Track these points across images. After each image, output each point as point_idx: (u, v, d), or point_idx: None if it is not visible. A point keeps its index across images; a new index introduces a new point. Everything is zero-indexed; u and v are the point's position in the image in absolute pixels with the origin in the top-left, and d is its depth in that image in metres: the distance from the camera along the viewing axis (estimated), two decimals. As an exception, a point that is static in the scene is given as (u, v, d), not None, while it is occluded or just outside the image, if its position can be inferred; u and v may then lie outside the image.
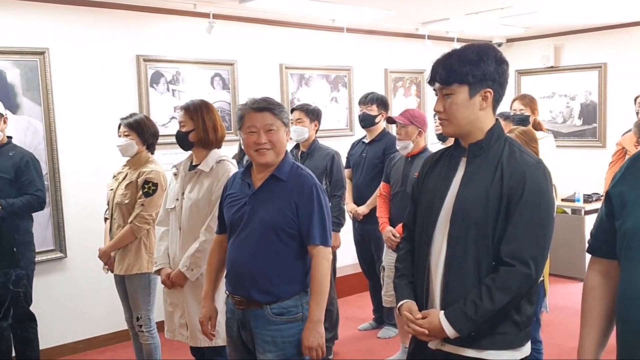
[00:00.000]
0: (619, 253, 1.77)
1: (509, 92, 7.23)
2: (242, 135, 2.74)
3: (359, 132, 6.15)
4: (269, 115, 2.67)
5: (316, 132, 4.81)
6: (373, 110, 5.13)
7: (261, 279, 2.65)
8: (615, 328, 1.80)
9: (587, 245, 1.98)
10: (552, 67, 7.73)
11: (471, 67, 2.13)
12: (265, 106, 2.68)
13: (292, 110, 4.82)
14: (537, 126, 5.38)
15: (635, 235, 1.69)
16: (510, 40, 8.11)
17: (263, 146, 2.66)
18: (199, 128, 3.40)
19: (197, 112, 3.42)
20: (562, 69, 7.73)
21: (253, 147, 2.67)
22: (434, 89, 2.25)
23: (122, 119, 4.04)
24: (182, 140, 3.44)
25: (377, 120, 5.14)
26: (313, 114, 4.74)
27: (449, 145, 2.40)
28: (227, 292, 2.83)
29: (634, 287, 1.66)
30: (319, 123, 4.83)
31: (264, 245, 2.64)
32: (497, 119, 2.24)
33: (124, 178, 3.98)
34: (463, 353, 2.17)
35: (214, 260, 2.96)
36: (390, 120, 4.46)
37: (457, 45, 2.34)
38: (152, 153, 4.08)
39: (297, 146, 4.88)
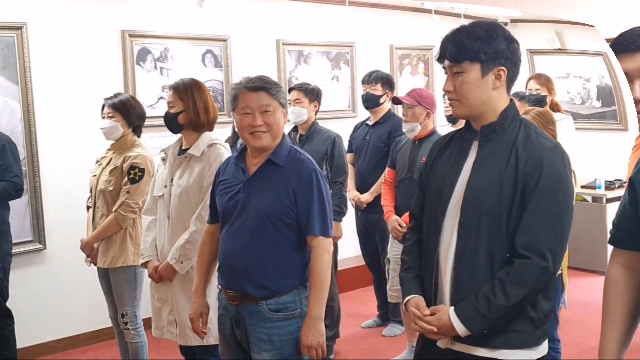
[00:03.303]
0: None
1: (523, 72, 7.24)
2: (235, 117, 2.72)
3: (362, 114, 6.12)
4: (264, 95, 2.65)
5: (316, 114, 4.80)
6: (377, 89, 5.11)
7: (256, 272, 2.64)
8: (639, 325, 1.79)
9: (609, 236, 1.97)
10: (559, 49, 7.86)
11: (482, 44, 2.13)
12: (260, 85, 2.66)
13: (290, 90, 4.81)
14: (555, 107, 5.39)
15: None
16: (514, 21, 8.17)
17: (258, 129, 2.64)
18: (189, 109, 3.39)
19: (187, 91, 3.41)
20: (569, 52, 7.88)
21: (247, 130, 2.65)
22: (443, 67, 2.25)
23: (106, 99, 4.03)
24: (171, 122, 3.43)
25: (381, 100, 5.14)
26: (312, 94, 4.72)
27: (460, 127, 2.38)
28: (219, 286, 2.81)
29: None
30: (319, 104, 4.82)
31: (259, 235, 2.63)
32: (511, 100, 2.24)
33: (108, 163, 3.97)
34: (475, 352, 2.16)
35: (205, 252, 2.95)
36: (395, 101, 4.46)
37: (466, 22, 2.33)
38: (139, 136, 4.08)
39: (295, 129, 4.87)
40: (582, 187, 6.96)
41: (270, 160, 2.69)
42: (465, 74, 2.16)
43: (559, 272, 3.74)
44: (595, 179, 6.92)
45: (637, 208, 1.81)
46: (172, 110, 3.41)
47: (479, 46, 2.12)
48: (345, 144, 5.05)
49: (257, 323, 2.66)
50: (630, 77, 1.67)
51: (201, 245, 3.00)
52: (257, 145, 2.67)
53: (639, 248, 1.82)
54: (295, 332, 2.64)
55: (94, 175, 4.05)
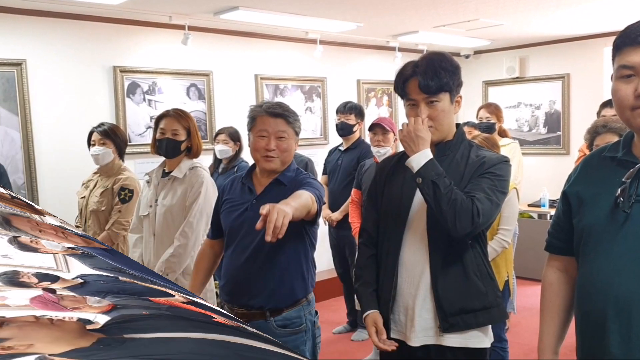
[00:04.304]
0: (576, 249, 1.82)
1: (477, 102, 7.34)
2: (251, 137, 2.67)
3: (333, 141, 6.19)
4: (282, 122, 2.60)
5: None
6: (351, 119, 5.20)
7: (262, 288, 2.56)
8: (574, 322, 1.83)
9: (545, 244, 2.01)
10: (517, 77, 7.86)
11: (452, 76, 2.24)
12: (280, 112, 2.61)
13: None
14: (503, 133, 5.49)
15: (592, 232, 1.74)
16: (477, 52, 8.23)
17: (271, 153, 2.59)
18: (193, 138, 3.48)
19: (188, 122, 3.48)
20: (527, 80, 7.93)
21: (261, 152, 2.60)
22: (411, 98, 2.28)
23: (95, 128, 4.04)
24: (174, 148, 3.44)
25: (354, 129, 5.19)
26: None
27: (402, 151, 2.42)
28: (223, 302, 2.71)
29: (591, 282, 1.71)
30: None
31: (265, 252, 2.53)
32: (458, 123, 2.35)
33: (95, 186, 3.99)
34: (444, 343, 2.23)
35: (203, 264, 2.88)
36: (373, 127, 4.45)
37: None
38: (123, 161, 4.08)
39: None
40: (528, 205, 7.07)
41: (278, 179, 2.64)
42: (440, 103, 2.24)
43: (506, 278, 3.79)
44: (540, 198, 7.01)
45: (570, 217, 1.84)
46: (177, 138, 3.43)
47: (449, 78, 2.22)
48: (319, 168, 5.08)
49: None
50: (637, 71, 1.60)
51: (200, 256, 2.92)
52: (267, 167, 2.62)
53: (571, 253, 1.85)
54: (301, 345, 2.58)
55: (82, 197, 4.07)
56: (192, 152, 3.49)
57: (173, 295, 1.14)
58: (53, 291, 1.12)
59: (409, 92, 2.26)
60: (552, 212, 6.84)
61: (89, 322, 1.07)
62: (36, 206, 1.43)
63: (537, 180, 7.33)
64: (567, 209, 1.87)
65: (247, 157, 4.09)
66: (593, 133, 3.45)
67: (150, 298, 1.10)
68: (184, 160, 3.46)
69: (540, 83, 7.79)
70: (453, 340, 2.23)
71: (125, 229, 3.87)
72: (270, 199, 2.40)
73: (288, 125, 2.61)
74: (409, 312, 2.28)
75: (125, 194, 3.90)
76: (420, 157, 2.15)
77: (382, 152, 4.40)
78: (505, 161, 2.27)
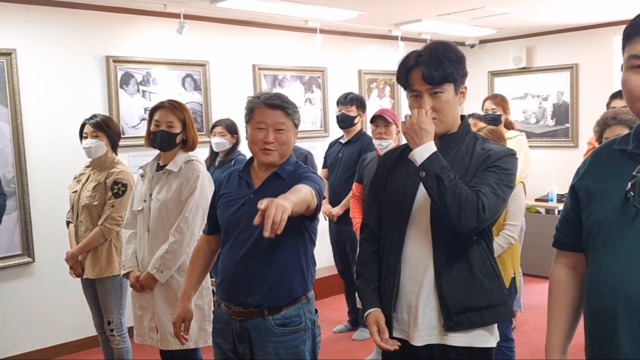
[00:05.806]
0: (585, 245, 1.80)
1: (482, 93, 7.34)
2: (248, 130, 2.63)
3: (334, 134, 6.16)
4: (281, 114, 2.57)
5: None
6: (352, 111, 5.17)
7: (260, 285, 2.54)
8: (583, 320, 1.82)
9: (553, 240, 1.99)
10: (524, 68, 7.85)
11: (456, 66, 2.23)
12: (279, 104, 2.58)
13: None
14: (509, 125, 5.48)
15: (602, 227, 1.72)
16: (483, 42, 8.21)
17: (269, 145, 2.56)
18: (189, 130, 3.46)
19: (184, 114, 3.47)
20: (534, 70, 7.93)
21: (259, 145, 2.57)
22: (414, 89, 2.27)
23: (87, 119, 4.02)
24: (169, 141, 3.41)
25: (355, 121, 5.16)
26: None
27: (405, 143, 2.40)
28: (220, 300, 2.70)
29: (601, 278, 1.70)
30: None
31: (263, 249, 2.52)
32: (462, 115, 2.37)
33: (87, 180, 3.98)
34: (449, 342, 2.22)
35: (198, 260, 2.85)
36: (375, 119, 4.43)
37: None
38: (116, 154, 4.06)
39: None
40: (535, 200, 7.06)
41: (277, 173, 2.60)
42: (444, 94, 2.23)
43: (512, 275, 3.78)
44: (548, 193, 7.01)
45: (579, 212, 1.83)
46: (172, 131, 3.41)
47: (453, 69, 2.21)
48: (318, 161, 5.07)
49: (263, 337, 2.55)
50: None
51: (195, 253, 2.88)
52: (265, 161, 2.59)
53: (580, 249, 1.84)
54: (301, 344, 2.56)
55: (74, 192, 4.06)
56: (188, 145, 3.47)
57: None
58: None
59: (412, 83, 2.25)
60: (560, 206, 6.83)
61: None
62: None
63: (545, 174, 7.31)
64: (575, 204, 1.85)
65: (244, 150, 4.08)
66: (602, 125, 3.40)
67: None
68: (179, 153, 3.44)
69: (547, 73, 7.78)
70: (458, 339, 2.22)
71: (118, 225, 3.86)
72: (269, 194, 2.34)
73: (287, 117, 2.58)
74: (412, 311, 2.26)
75: (119, 188, 3.88)
76: (424, 150, 2.14)
77: (384, 144, 4.37)
78: (512, 154, 2.26)
